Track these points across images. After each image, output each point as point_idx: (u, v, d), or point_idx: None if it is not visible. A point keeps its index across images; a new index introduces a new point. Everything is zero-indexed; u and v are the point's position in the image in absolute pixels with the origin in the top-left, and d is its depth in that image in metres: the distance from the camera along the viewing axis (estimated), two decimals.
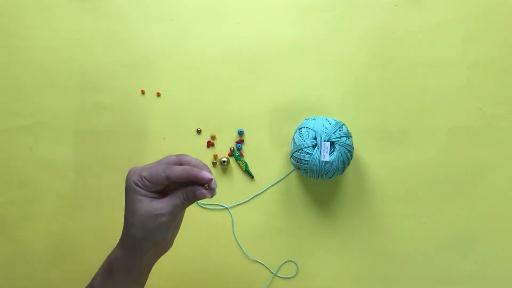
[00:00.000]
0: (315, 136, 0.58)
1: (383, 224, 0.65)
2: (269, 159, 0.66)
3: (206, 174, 0.47)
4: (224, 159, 0.65)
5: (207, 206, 0.65)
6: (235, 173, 0.66)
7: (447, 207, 0.65)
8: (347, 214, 0.65)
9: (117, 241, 0.62)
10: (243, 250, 0.65)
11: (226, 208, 0.65)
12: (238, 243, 0.65)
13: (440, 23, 0.66)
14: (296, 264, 0.65)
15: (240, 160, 0.65)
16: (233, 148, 0.66)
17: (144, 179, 0.46)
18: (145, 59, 0.67)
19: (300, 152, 0.58)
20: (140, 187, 0.47)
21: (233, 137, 0.66)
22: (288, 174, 0.65)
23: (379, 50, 0.66)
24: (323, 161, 0.57)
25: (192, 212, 0.65)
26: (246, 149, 0.66)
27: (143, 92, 0.67)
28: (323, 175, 0.58)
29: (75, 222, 0.66)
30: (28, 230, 0.66)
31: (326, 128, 0.58)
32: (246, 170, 0.65)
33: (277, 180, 0.65)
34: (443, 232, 0.64)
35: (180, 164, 0.49)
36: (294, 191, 0.65)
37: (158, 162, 0.49)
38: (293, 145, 0.60)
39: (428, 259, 0.64)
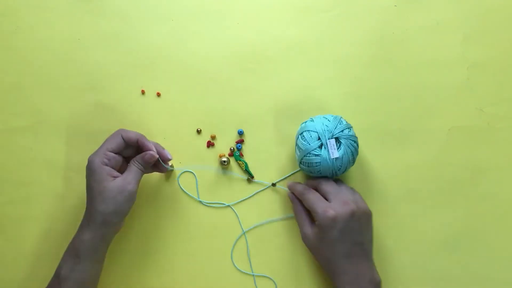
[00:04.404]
0: (318, 136, 0.58)
1: (383, 223, 0.65)
2: (269, 159, 0.66)
3: (150, 143, 0.58)
4: (224, 159, 0.65)
5: (210, 204, 0.65)
6: (235, 173, 0.66)
7: (446, 207, 0.64)
8: None
9: (117, 240, 0.62)
10: (242, 249, 0.65)
11: (229, 205, 0.65)
12: (246, 240, 0.65)
13: (440, 23, 0.66)
14: (296, 264, 0.65)
15: (240, 160, 0.65)
16: (233, 148, 0.66)
17: (107, 153, 0.55)
18: (145, 59, 0.67)
19: (309, 156, 0.58)
20: (107, 165, 0.55)
21: (233, 137, 0.66)
22: (292, 174, 0.65)
23: (379, 50, 0.66)
24: (333, 158, 0.57)
25: (194, 210, 0.65)
26: (246, 149, 0.66)
27: (143, 92, 0.67)
28: (337, 172, 0.58)
29: (75, 222, 0.66)
30: (28, 230, 0.66)
31: (326, 126, 0.58)
32: (246, 170, 0.65)
33: (280, 179, 0.65)
34: (442, 232, 0.64)
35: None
36: None
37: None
38: (299, 151, 0.59)
39: (428, 259, 0.64)
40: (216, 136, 0.66)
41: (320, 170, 0.58)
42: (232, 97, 0.66)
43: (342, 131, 0.58)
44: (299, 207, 0.61)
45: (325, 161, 0.57)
